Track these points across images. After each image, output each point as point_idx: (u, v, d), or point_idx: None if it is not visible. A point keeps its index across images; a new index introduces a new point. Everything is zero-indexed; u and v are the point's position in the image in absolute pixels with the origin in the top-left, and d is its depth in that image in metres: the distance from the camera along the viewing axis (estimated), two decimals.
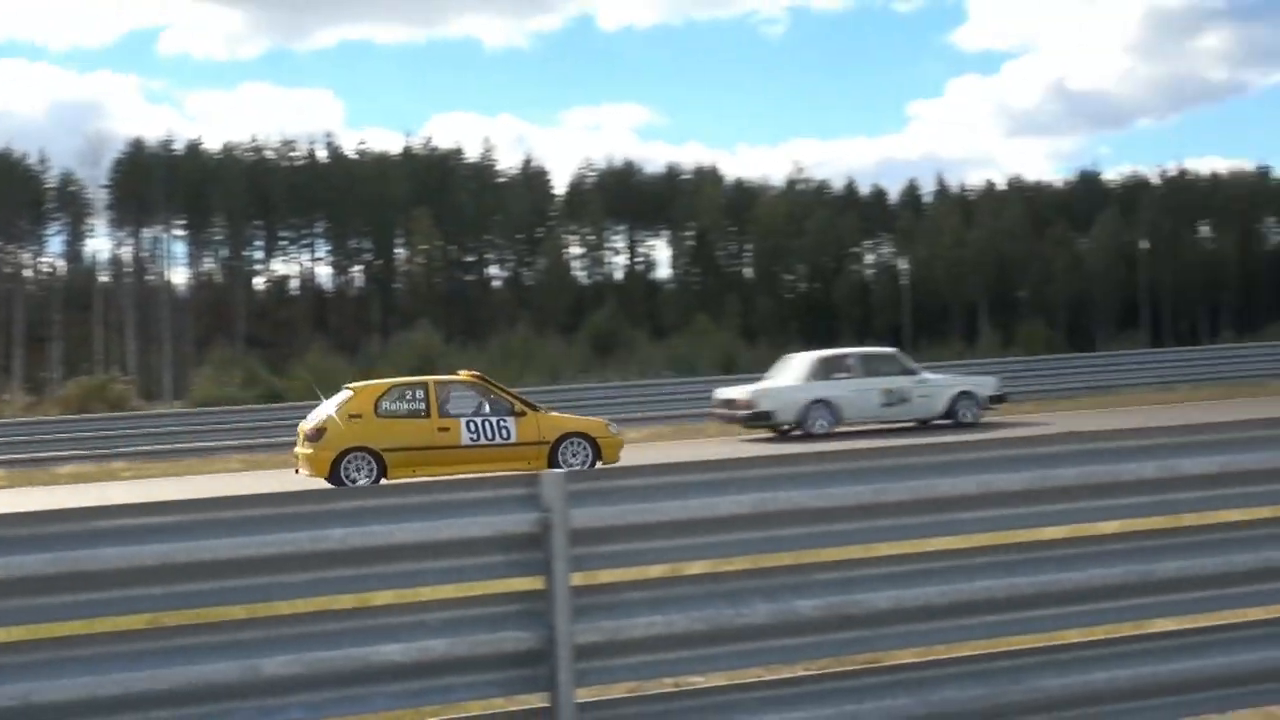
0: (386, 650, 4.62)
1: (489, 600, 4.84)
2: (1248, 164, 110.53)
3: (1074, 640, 5.31)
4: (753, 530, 5.00)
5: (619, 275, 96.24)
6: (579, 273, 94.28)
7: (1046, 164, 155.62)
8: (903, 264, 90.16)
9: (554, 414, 20.60)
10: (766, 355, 62.83)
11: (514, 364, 52.13)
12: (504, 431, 19.47)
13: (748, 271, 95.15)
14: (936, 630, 5.10)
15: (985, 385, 26.66)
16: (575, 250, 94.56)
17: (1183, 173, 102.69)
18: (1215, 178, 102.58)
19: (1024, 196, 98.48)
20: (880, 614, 5.02)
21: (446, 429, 19.32)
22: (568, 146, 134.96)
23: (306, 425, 19.59)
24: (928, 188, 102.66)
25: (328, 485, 18.24)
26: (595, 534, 4.80)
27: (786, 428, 25.61)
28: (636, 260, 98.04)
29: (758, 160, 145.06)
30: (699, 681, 5.30)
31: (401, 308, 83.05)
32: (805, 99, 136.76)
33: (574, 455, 19.52)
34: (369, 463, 18.94)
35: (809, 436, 24.73)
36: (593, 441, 19.72)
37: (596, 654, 4.78)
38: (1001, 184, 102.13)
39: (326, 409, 19.62)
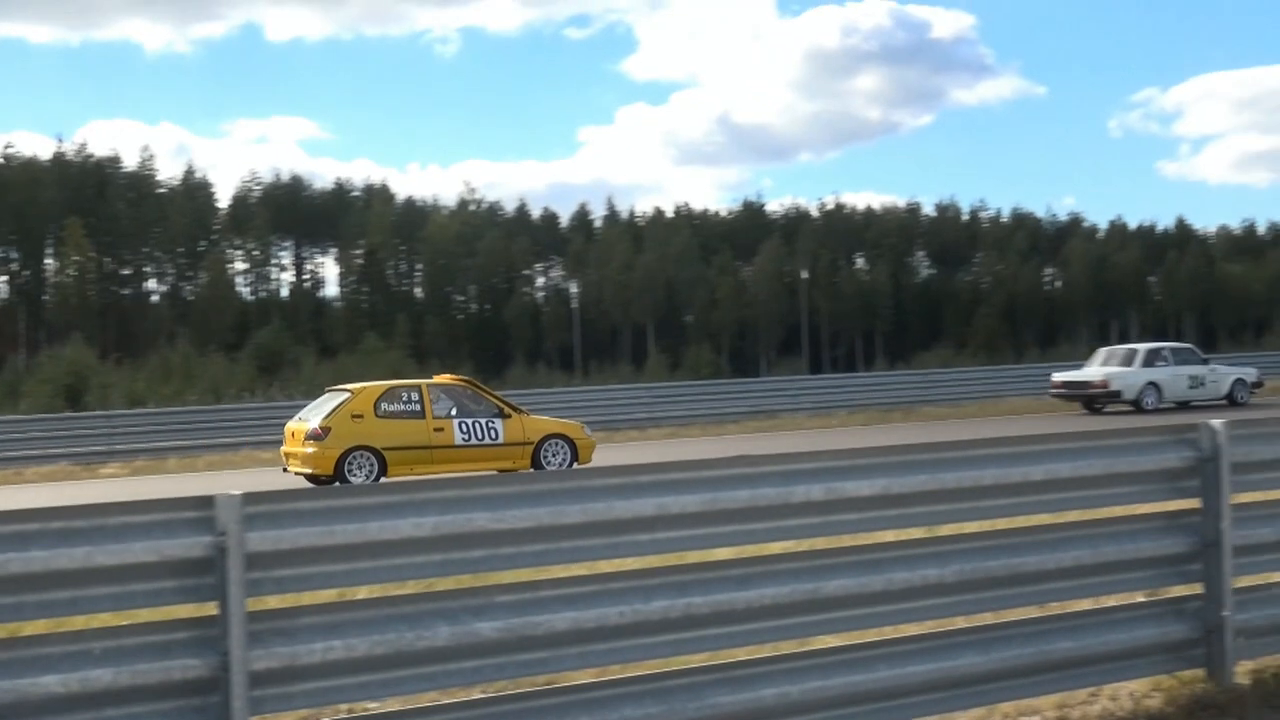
0: (45, 682, 4.37)
1: (158, 627, 4.64)
2: (899, 200, 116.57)
3: (746, 658, 5.45)
4: (432, 553, 4.96)
5: (285, 292, 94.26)
6: (243, 289, 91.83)
7: (712, 193, 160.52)
8: (573, 287, 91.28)
9: (536, 417, 21.75)
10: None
11: (174, 382, 50.28)
12: (493, 432, 20.42)
13: (418, 291, 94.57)
14: (615, 650, 5.16)
15: (1250, 374, 32.88)
16: (239, 265, 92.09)
17: (840, 206, 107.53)
18: (870, 212, 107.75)
19: (691, 224, 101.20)
20: (559, 635, 5.04)
21: (441, 429, 20.17)
22: (232, 158, 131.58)
23: (306, 425, 20.07)
24: (598, 212, 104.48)
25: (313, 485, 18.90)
26: (272, 558, 4.67)
27: (1100, 404, 31.47)
28: (304, 277, 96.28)
29: (429, 180, 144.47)
30: (374, 707, 5.21)
31: (51, 321, 79.08)
32: (477, 120, 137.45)
33: (554, 455, 20.64)
34: (370, 461, 19.65)
35: (1140, 411, 30.65)
36: (571, 443, 20.86)
37: (272, 681, 4.65)
38: (670, 211, 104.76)
39: (325, 409, 20.26)
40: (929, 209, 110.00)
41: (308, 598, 5.00)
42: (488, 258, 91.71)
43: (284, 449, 20.70)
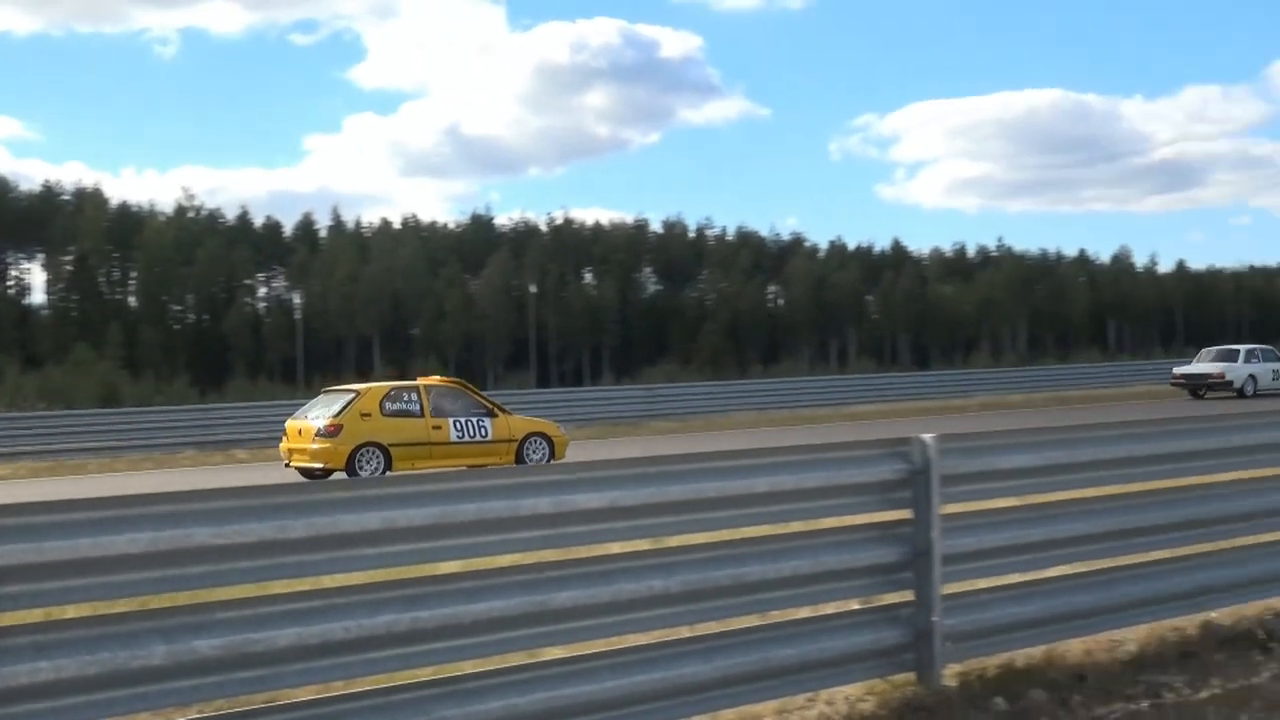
0: None
1: None
2: (627, 216, 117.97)
3: (473, 670, 5.43)
4: (149, 570, 4.80)
5: None
6: None
7: (440, 205, 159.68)
8: (296, 298, 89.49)
9: (518, 416, 23.62)
10: (153, 387, 60.55)
11: None
12: (483, 430, 22.22)
13: (132, 300, 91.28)
14: (339, 665, 5.08)
15: None
16: None
17: (569, 221, 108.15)
18: (598, 227, 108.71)
19: (419, 236, 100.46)
20: (282, 651, 4.94)
21: (439, 427, 21.90)
22: None
23: (310, 422, 21.61)
24: (323, 222, 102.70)
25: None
26: None
27: (1204, 391, 40.40)
28: (7, 284, 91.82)
29: (145, 185, 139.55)
30: None
31: None
32: (197, 124, 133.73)
33: (535, 451, 22.51)
34: (377, 456, 21.26)
35: (1241, 396, 39.59)
36: (549, 440, 22.86)
37: None
38: (397, 222, 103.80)
39: (330, 408, 21.79)
40: (656, 226, 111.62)
41: (13, 618, 4.76)
42: (207, 266, 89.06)
43: (285, 445, 22.17)
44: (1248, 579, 7.86)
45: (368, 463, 21.10)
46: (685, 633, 6.04)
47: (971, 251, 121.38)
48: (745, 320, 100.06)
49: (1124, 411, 32.06)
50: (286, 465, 21.78)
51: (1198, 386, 40.84)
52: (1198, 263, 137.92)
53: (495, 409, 22.69)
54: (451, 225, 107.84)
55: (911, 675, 6.46)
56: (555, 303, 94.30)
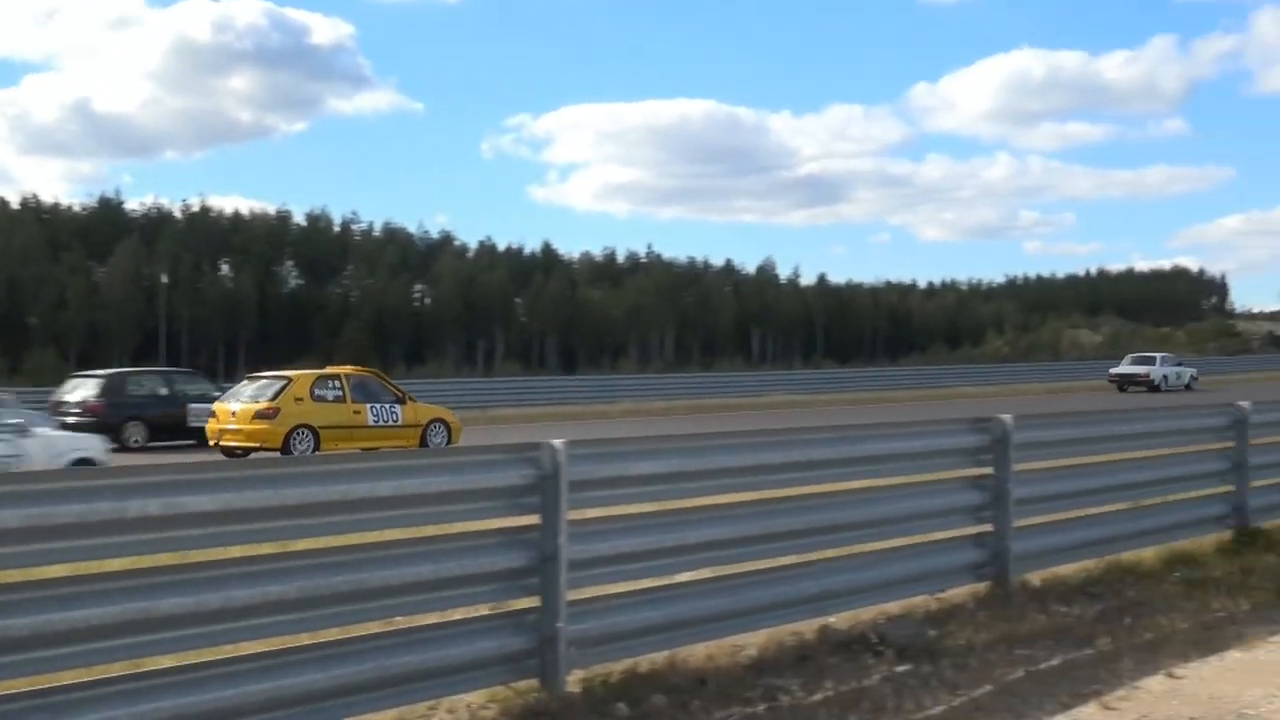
0: None
1: None
2: (270, 206, 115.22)
3: (71, 682, 5.10)
4: None
5: None
6: None
7: (64, 186, 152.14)
8: None
9: (422, 404, 26.13)
10: None
11: None
12: (394, 415, 24.84)
13: None
14: None
15: (1194, 372, 55.82)
16: None
17: (206, 209, 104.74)
18: (237, 216, 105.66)
19: (39, 218, 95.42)
20: None
21: (359, 412, 24.41)
22: None
23: (242, 405, 23.82)
24: None
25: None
26: None
27: (1140, 386, 52.24)
28: None
29: None
30: None
31: None
32: None
33: (436, 435, 25.13)
34: (308, 437, 23.51)
35: (1157, 391, 50.84)
36: (447, 425, 25.59)
37: None
38: (15, 202, 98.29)
39: (262, 393, 24.06)
40: (300, 218, 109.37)
41: None
42: None
43: (215, 426, 24.12)
44: (865, 584, 8.17)
45: (300, 442, 23.27)
46: (305, 640, 5.82)
47: (621, 257, 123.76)
48: (390, 318, 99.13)
49: (1047, 403, 39.83)
50: (214, 445, 23.81)
51: (1125, 383, 53.07)
52: (839, 276, 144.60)
53: (405, 397, 25.36)
54: (77, 208, 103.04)
55: (535, 681, 6.42)
56: (189, 293, 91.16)
